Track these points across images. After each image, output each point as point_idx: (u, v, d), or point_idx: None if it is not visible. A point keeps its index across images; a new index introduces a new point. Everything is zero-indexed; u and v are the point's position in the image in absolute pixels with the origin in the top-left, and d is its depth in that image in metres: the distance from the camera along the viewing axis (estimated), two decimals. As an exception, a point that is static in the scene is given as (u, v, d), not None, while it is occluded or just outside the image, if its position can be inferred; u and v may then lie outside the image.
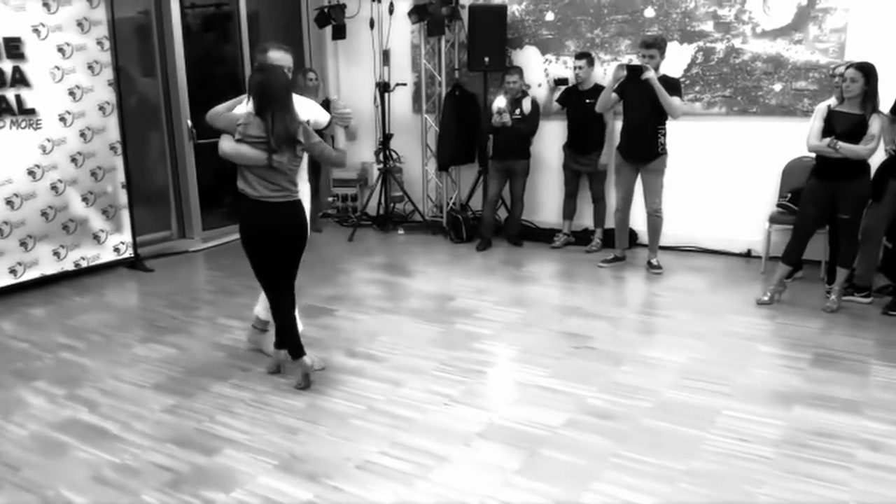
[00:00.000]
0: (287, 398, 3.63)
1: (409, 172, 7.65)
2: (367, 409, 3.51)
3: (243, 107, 3.66)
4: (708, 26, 6.05)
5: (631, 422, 3.34)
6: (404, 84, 7.37)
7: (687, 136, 6.04)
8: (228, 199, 3.56)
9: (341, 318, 4.82)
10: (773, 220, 5.63)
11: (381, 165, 7.35)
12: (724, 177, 6.15)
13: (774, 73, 5.87)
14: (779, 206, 5.60)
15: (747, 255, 6.13)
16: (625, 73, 5.36)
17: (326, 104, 7.01)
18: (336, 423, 3.38)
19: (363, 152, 7.62)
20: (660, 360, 4.04)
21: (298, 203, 3.66)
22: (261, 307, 4.11)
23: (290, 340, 3.74)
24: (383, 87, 7.20)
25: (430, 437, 3.22)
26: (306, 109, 3.71)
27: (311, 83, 6.98)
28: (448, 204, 7.35)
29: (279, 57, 3.72)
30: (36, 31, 5.20)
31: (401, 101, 7.50)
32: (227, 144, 3.50)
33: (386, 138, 7.25)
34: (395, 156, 7.44)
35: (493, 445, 3.16)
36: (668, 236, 6.00)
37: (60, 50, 5.36)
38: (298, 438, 3.24)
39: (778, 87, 5.87)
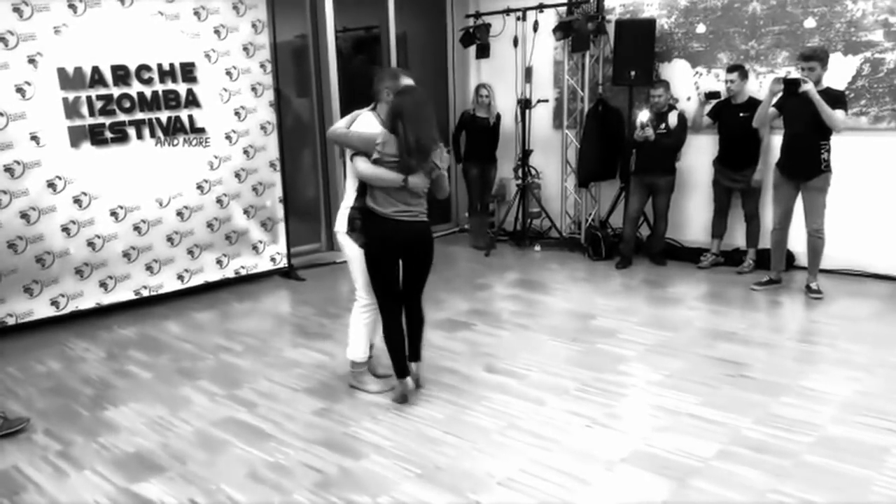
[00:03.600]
0: (428, 409, 3.70)
1: (548, 189, 7.62)
2: (508, 425, 3.50)
3: (365, 122, 3.70)
4: (877, 36, 5.63)
5: (791, 457, 3.13)
6: (546, 100, 7.37)
7: (852, 152, 5.63)
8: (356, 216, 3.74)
9: (480, 332, 4.85)
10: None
11: (519, 181, 7.36)
12: (893, 196, 5.68)
13: (956, 83, 5.37)
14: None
15: (919, 281, 5.64)
16: (781, 86, 5.09)
17: (498, 120, 7.14)
18: (478, 437, 3.39)
19: (502, 168, 7.66)
20: (822, 393, 3.77)
21: (426, 223, 3.69)
22: (357, 347, 3.97)
23: (402, 356, 3.78)
24: (525, 104, 7.23)
25: (573, 459, 3.17)
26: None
27: (483, 99, 7.15)
28: (587, 220, 7.25)
29: (409, 82, 3.75)
30: (207, 56, 5.64)
31: (541, 117, 7.49)
32: (363, 165, 3.55)
33: (525, 154, 7.26)
34: (533, 172, 7.44)
35: (637, 472, 3.06)
36: (829, 259, 5.61)
37: (228, 73, 5.78)
38: (441, 449, 3.28)
39: (959, 98, 5.37)
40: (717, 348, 4.45)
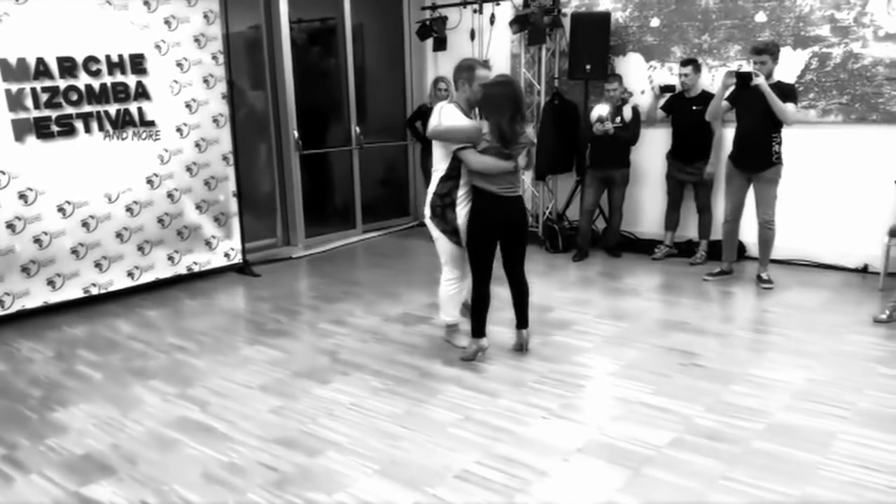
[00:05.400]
0: (386, 403, 3.68)
1: (507, 182, 7.62)
2: (464, 418, 3.50)
3: (452, 114, 4.00)
4: (824, 30, 5.76)
5: (741, 444, 3.20)
6: (503, 93, 7.36)
7: (800, 145, 5.76)
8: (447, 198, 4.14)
9: (438, 325, 4.83)
10: (892, 233, 5.30)
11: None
12: (840, 187, 5.83)
13: (898, 78, 5.53)
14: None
15: (864, 270, 5.79)
16: (734, 80, 5.17)
17: None
18: (434, 430, 3.39)
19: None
20: (771, 380, 3.85)
21: (521, 198, 4.11)
22: (446, 311, 4.38)
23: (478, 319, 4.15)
24: (482, 97, 7.22)
25: (529, 450, 3.18)
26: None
27: (442, 93, 7.11)
28: (544, 214, 7.29)
29: (485, 74, 4.08)
30: (157, 47, 5.51)
31: (499, 110, 7.49)
32: (475, 158, 3.91)
33: (484, 148, 7.26)
34: (492, 165, 7.44)
35: (593, 462, 3.09)
36: (779, 249, 5.74)
37: (179, 65, 5.66)
38: (398, 444, 3.27)
39: (902, 92, 5.53)
40: (670, 338, 4.51)
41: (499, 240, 4.06)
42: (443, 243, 4.20)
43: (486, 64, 4.26)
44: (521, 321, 4.26)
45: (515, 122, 3.85)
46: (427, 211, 4.23)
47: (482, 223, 4.01)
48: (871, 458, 3.04)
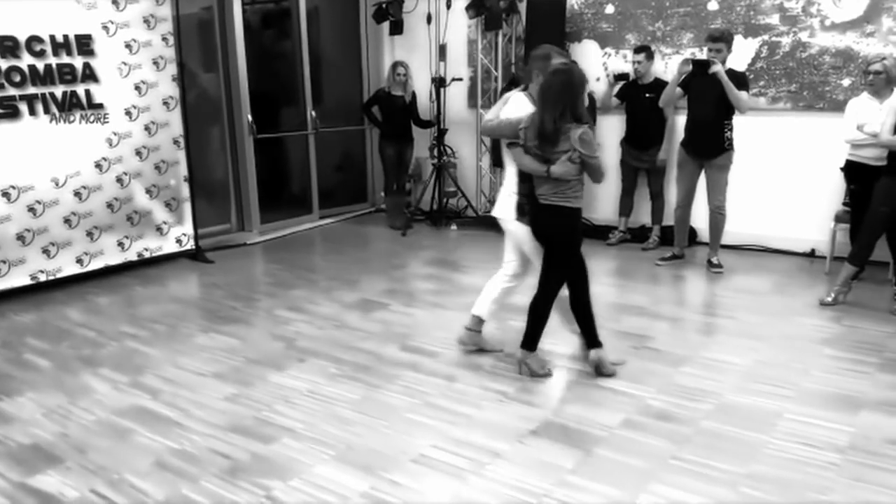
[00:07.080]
0: (343, 390, 3.67)
1: (464, 168, 7.64)
2: (421, 403, 3.52)
3: (516, 104, 3.70)
4: (774, 19, 5.88)
5: (691, 424, 3.27)
6: (460, 79, 7.36)
7: (750, 132, 5.88)
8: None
9: (395, 312, 4.84)
10: (838, 219, 5.46)
11: (435, 161, 7.36)
12: (789, 174, 5.98)
13: (843, 67, 5.67)
14: (845, 204, 5.42)
15: (811, 254, 5.95)
16: (690, 67, 5.25)
17: (414, 98, 7.07)
18: (391, 416, 3.39)
19: (418, 148, 7.64)
20: (721, 362, 3.95)
21: (562, 208, 3.56)
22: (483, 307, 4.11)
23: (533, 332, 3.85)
24: (439, 83, 7.20)
25: (485, 434, 3.21)
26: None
27: (400, 77, 7.07)
28: (502, 200, 7.31)
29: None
30: (105, 28, 5.36)
31: (456, 96, 7.49)
32: (516, 154, 3.61)
33: (441, 133, 7.25)
34: (449, 151, 7.44)
35: (547, 443, 3.13)
36: (729, 234, 5.86)
37: (128, 46, 5.51)
38: (354, 430, 3.26)
39: (847, 81, 5.67)
40: (623, 322, 4.59)
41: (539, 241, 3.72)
42: (533, 242, 3.77)
43: (564, 53, 3.78)
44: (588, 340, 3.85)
45: (562, 119, 3.38)
46: (510, 213, 3.77)
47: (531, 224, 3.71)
48: (815, 436, 3.14)
